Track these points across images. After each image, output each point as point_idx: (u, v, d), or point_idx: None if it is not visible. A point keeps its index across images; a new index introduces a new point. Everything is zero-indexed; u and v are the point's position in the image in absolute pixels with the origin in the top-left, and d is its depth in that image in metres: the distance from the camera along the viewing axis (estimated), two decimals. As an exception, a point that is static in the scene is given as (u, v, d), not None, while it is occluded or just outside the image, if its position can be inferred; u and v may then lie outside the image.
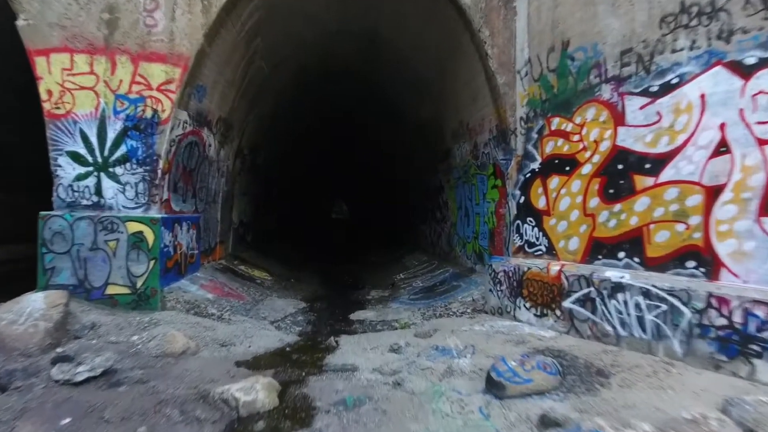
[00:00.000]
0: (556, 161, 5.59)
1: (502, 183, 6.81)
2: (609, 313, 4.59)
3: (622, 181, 4.80)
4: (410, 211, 15.31)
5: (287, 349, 5.21)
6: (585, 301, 4.83)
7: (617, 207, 4.83)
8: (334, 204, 42.39)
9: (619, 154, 4.85)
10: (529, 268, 5.57)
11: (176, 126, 6.07)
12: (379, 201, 22.10)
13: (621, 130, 4.84)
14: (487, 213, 7.49)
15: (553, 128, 5.68)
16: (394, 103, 12.29)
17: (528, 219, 5.98)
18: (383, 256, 14.82)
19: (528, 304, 5.52)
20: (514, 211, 6.21)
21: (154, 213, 5.81)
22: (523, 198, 6.08)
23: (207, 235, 7.84)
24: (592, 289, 4.78)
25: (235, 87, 7.77)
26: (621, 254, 4.77)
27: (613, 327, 4.50)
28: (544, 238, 5.73)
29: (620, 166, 4.83)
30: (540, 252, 5.78)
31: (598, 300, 4.69)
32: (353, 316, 6.77)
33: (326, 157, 22.45)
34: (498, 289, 5.97)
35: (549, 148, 5.72)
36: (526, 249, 5.99)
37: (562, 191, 5.50)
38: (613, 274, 4.67)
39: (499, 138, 6.71)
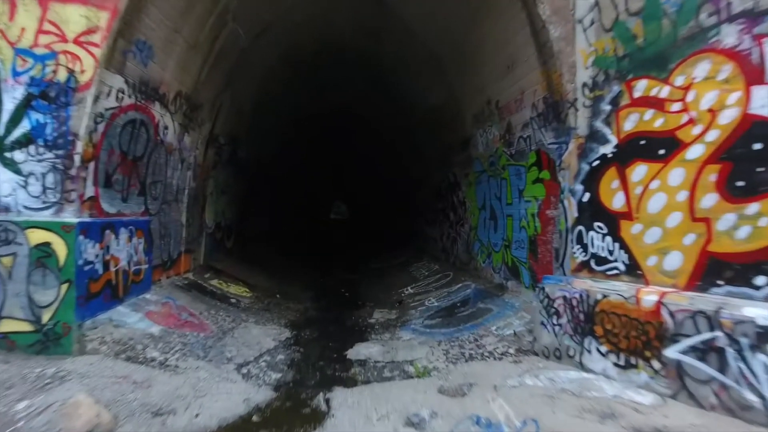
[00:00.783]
0: (643, 142, 3.89)
1: (551, 175, 5.11)
2: (753, 373, 2.92)
3: (761, 169, 3.12)
4: (416, 211, 13.62)
5: (254, 418, 3.55)
6: (706, 351, 3.15)
7: (752, 208, 3.14)
8: (333, 204, 40.73)
9: (754, 127, 3.17)
10: (604, 296, 3.87)
11: (105, 95, 4.36)
12: (380, 200, 20.39)
13: (757, 91, 3.16)
14: (526, 215, 5.80)
15: (636, 95, 3.98)
16: (399, 89, 10.62)
17: (596, 224, 4.28)
18: (386, 262, 13.13)
19: (604, 348, 3.82)
20: (573, 213, 4.51)
21: (69, 216, 4.10)
22: (587, 195, 4.37)
23: (165, 244, 6.15)
24: (719, 333, 3.09)
25: (201, 53, 6.09)
26: (760, 279, 3.09)
27: (762, 397, 2.84)
28: (621, 251, 4.03)
29: (757, 146, 3.15)
30: (615, 271, 4.08)
31: (730, 351, 3.01)
32: (352, 354, 5.07)
33: (324, 153, 20.74)
34: (554, 322, 4.27)
35: (630, 124, 4.02)
36: (593, 266, 4.29)
37: (653, 185, 3.79)
38: (758, 312, 2.99)
39: (547, 115, 5.01)
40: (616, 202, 4.09)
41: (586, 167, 4.39)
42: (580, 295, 4.06)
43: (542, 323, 4.40)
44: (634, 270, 3.91)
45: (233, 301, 6.84)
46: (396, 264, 12.45)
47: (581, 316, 4.03)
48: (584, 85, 4.43)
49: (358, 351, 5.14)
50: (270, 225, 15.30)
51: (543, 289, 4.46)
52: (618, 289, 3.81)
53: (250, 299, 7.28)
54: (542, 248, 5.34)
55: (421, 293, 8.10)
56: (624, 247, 4.01)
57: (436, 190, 10.88)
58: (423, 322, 6.26)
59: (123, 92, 4.63)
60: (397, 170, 15.37)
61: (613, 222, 4.11)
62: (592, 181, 4.32)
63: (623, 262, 4.00)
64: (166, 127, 5.79)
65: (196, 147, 7.05)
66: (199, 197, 7.52)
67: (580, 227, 4.42)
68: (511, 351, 4.50)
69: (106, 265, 4.50)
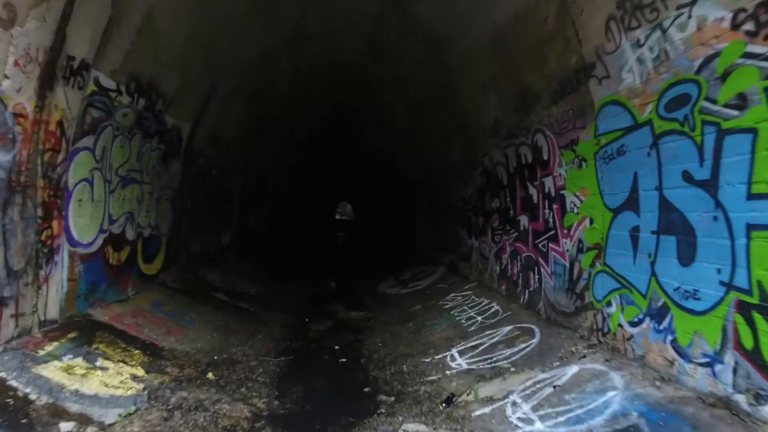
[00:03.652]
0: None
1: None
2: None
3: None
4: (439, 209, 9.63)
5: None
6: None
7: None
8: (337, 204, 36.88)
9: None
10: None
11: None
12: (388, 201, 16.41)
13: None
14: None
15: None
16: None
17: None
18: (404, 284, 9.17)
19: None
20: None
21: None
22: None
23: None
24: None
25: None
26: None
27: None
28: None
29: None
30: None
31: None
32: None
33: (323, 140, 16.84)
34: None
35: None
36: None
37: None
38: None
39: None
40: None
41: None
42: None
43: None
44: None
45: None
46: (420, 290, 8.47)
47: None
48: None
49: None
50: (271, 227, 11.45)
51: None
52: None
53: (136, 402, 3.36)
54: None
55: (488, 373, 4.13)
56: None
57: (485, 178, 6.91)
58: None
59: None
60: (410, 157, 11.38)
61: None
62: None
63: None
64: None
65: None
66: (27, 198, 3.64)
67: None
68: None
69: None
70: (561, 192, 4.64)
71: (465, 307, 6.34)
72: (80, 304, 4.37)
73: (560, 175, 4.65)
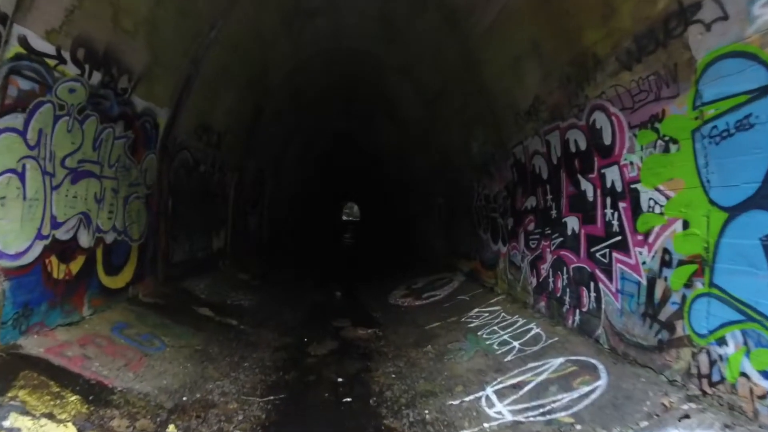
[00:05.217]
0: None
1: None
2: None
3: None
4: (453, 213, 8.53)
5: None
6: None
7: None
8: (344, 205, 35.87)
9: None
10: None
11: None
12: (398, 200, 15.33)
13: None
14: None
15: None
16: None
17: None
18: (417, 295, 8.08)
19: None
20: None
21: None
22: None
23: None
24: None
25: None
26: None
27: None
28: None
29: None
30: None
31: None
32: None
33: (328, 135, 15.82)
34: None
35: None
36: None
37: None
38: None
39: None
40: None
41: None
42: None
43: None
44: None
45: None
46: (437, 302, 7.37)
47: None
48: None
49: None
50: (271, 230, 10.43)
51: None
52: None
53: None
54: None
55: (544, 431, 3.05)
56: None
57: (516, 172, 5.82)
58: None
59: None
60: (429, 147, 10.29)
61: None
62: None
63: None
64: None
65: None
66: None
67: None
68: None
69: None
70: (632, 186, 3.53)
71: (495, 328, 5.24)
72: (6, 333, 3.35)
73: (631, 163, 3.54)
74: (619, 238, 3.69)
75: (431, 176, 10.77)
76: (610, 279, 3.82)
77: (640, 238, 3.44)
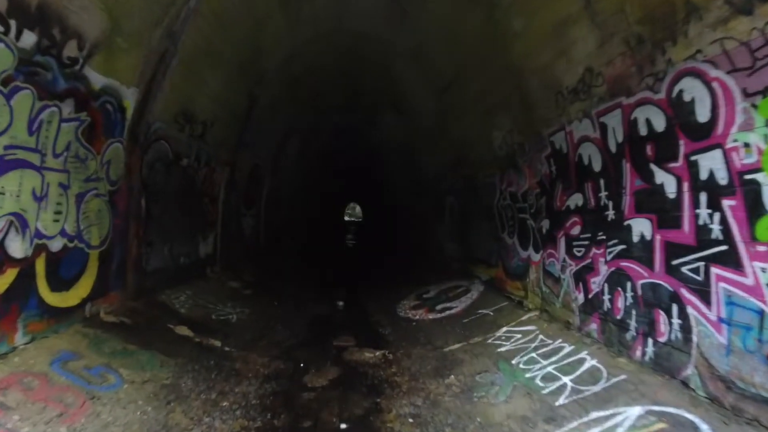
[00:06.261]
0: None
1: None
2: None
3: None
4: (468, 213, 7.51)
5: None
6: None
7: None
8: (346, 205, 34.90)
9: None
10: None
11: None
12: (404, 199, 14.35)
13: None
14: None
15: None
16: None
17: None
18: (430, 309, 7.11)
19: None
20: None
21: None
22: None
23: None
24: None
25: None
26: None
27: None
28: None
29: None
30: None
31: None
32: None
33: (331, 131, 14.87)
34: None
35: None
36: None
37: None
38: None
39: None
40: None
41: None
42: None
43: None
44: None
45: None
46: (455, 317, 6.39)
47: None
48: None
49: None
50: (237, 237, 9.48)
51: None
52: None
53: None
54: None
55: None
56: None
57: (554, 164, 4.85)
58: None
59: None
60: (441, 140, 9.32)
61: None
62: None
63: None
64: None
65: None
66: None
67: None
68: None
69: None
70: (748, 176, 2.56)
71: (533, 355, 4.26)
72: None
73: (745, 146, 2.56)
74: (724, 248, 2.71)
75: (442, 173, 9.81)
76: (707, 303, 2.84)
77: (762, 249, 2.47)
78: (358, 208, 36.30)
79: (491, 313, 5.96)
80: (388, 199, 18.00)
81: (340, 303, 8.59)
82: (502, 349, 4.65)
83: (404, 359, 5.11)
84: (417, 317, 6.96)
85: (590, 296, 4.20)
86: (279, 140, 11.58)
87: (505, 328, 5.16)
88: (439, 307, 7.10)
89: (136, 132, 5.04)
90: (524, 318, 5.24)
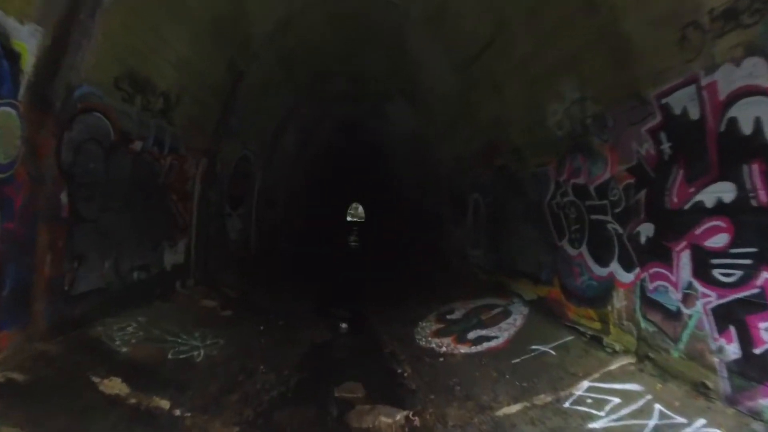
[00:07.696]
0: None
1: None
2: None
3: None
4: (500, 213, 5.84)
5: None
6: None
7: None
8: (348, 204, 33.25)
9: None
10: None
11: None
12: (413, 196, 12.68)
13: None
14: None
15: None
16: None
17: None
18: (460, 338, 5.47)
19: None
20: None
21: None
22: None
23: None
24: None
25: None
26: None
27: None
28: None
29: None
30: None
31: None
32: None
33: (331, 121, 13.23)
34: None
35: None
36: None
37: None
38: None
39: None
40: None
41: None
42: None
43: None
44: None
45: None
46: (499, 354, 4.75)
47: None
48: None
49: None
50: (219, 242, 7.86)
51: None
52: None
53: None
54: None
55: None
56: None
57: (665, 141, 3.20)
58: None
59: None
60: (464, 127, 7.68)
61: None
62: None
63: None
64: None
65: None
66: None
67: None
68: None
69: None
70: None
71: (657, 442, 2.62)
72: None
73: None
74: None
75: (464, 166, 8.18)
76: None
77: None
78: (360, 208, 34.67)
79: (552, 352, 4.31)
80: (395, 198, 16.33)
81: (344, 325, 6.96)
82: (597, 425, 3.00)
83: (437, 427, 3.48)
84: (443, 349, 5.32)
85: (757, 351, 2.55)
86: (274, 129, 9.96)
87: (587, 383, 3.51)
88: (471, 335, 5.46)
89: (46, 94, 3.43)
90: (614, 368, 3.59)
